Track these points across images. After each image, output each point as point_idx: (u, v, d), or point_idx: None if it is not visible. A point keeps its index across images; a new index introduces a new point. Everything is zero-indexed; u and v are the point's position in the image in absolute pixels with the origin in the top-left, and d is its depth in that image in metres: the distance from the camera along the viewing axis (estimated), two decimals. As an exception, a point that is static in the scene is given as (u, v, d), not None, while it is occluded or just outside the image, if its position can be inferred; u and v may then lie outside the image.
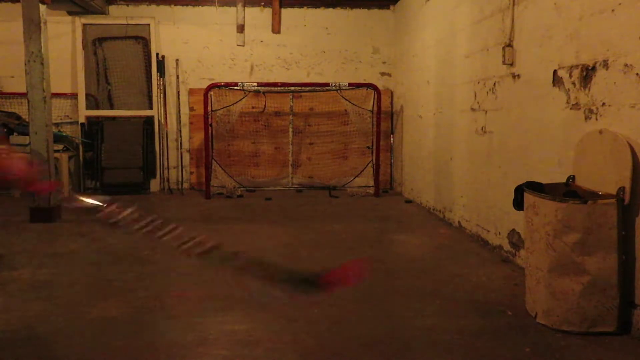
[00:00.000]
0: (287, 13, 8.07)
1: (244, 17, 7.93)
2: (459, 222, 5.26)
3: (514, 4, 4.02)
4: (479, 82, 4.71)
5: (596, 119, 3.01)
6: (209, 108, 7.34)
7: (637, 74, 2.68)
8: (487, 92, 4.53)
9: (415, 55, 6.88)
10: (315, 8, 8.08)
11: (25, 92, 5.57)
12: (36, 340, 2.68)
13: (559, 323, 2.76)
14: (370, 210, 6.48)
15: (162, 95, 7.86)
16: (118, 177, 7.57)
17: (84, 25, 7.79)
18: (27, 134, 6.30)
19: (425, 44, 6.37)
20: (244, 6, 7.89)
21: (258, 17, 8.02)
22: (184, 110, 8.00)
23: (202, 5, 7.91)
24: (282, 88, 7.70)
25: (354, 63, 8.17)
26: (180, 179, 8.02)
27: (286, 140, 7.98)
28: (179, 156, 8.02)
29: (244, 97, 7.51)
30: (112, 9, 7.87)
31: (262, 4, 7.99)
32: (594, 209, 2.66)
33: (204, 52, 7.98)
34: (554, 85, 3.47)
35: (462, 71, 5.12)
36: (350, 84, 7.47)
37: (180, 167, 8.03)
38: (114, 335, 2.74)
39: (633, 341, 2.64)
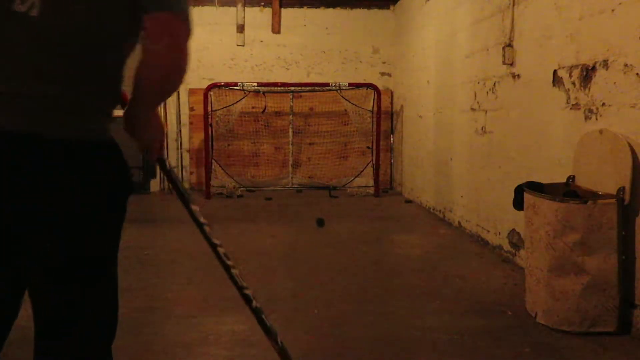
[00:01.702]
0: (287, 13, 8.08)
1: (244, 17, 7.94)
2: (459, 222, 5.26)
3: (514, 4, 4.02)
4: (479, 82, 4.71)
5: (596, 119, 3.01)
6: (209, 108, 7.35)
7: (637, 74, 2.68)
8: (487, 92, 4.53)
9: (415, 55, 6.88)
10: (315, 8, 8.08)
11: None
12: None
13: (559, 323, 2.75)
14: (370, 210, 6.48)
15: (162, 95, 7.85)
16: (118, 177, 7.57)
17: (84, 25, 7.79)
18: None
19: (425, 44, 6.37)
20: (244, 6, 7.89)
21: (258, 17, 8.03)
22: (184, 110, 8.00)
23: (202, 5, 7.91)
24: (282, 88, 7.70)
25: (354, 63, 8.18)
26: (180, 179, 8.01)
27: (286, 140, 7.98)
28: (179, 156, 8.02)
29: (244, 97, 7.50)
30: (112, 9, 7.87)
31: (262, 4, 7.99)
32: (594, 209, 2.66)
33: (204, 52, 7.98)
34: (554, 85, 3.47)
35: (462, 71, 5.12)
36: (350, 84, 7.48)
37: (180, 167, 8.03)
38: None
39: (633, 341, 2.64)
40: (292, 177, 8.03)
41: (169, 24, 1.21)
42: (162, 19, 1.20)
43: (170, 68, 1.24)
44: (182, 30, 1.22)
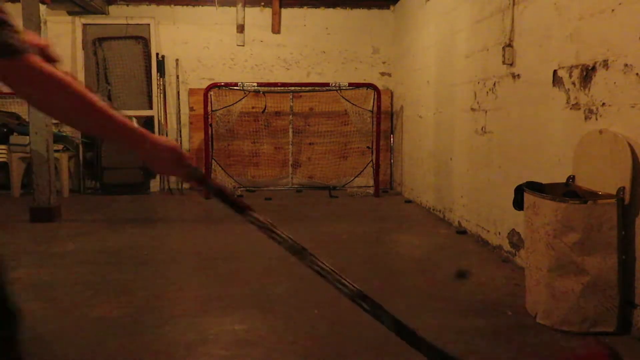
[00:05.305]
0: (287, 13, 8.08)
1: (244, 17, 7.94)
2: (459, 222, 5.26)
3: (514, 4, 4.02)
4: (479, 82, 4.71)
5: (596, 119, 3.01)
6: (209, 108, 7.35)
7: (637, 74, 2.68)
8: (487, 92, 4.53)
9: (415, 55, 6.88)
10: (315, 8, 8.08)
11: None
12: (36, 340, 2.68)
13: (559, 323, 2.76)
14: (370, 210, 6.48)
15: (162, 95, 7.86)
16: (118, 177, 7.58)
17: (84, 25, 7.80)
18: (27, 134, 6.30)
19: (425, 44, 6.37)
20: (244, 6, 7.89)
21: (258, 17, 8.03)
22: (184, 110, 8.01)
23: (202, 5, 7.92)
24: (282, 88, 7.70)
25: (353, 63, 8.18)
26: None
27: (286, 140, 7.98)
28: (179, 156, 8.02)
29: (244, 97, 7.51)
30: (112, 9, 7.87)
31: (262, 4, 7.99)
32: (594, 209, 2.66)
33: (204, 52, 7.99)
34: (554, 85, 3.47)
35: (462, 71, 5.12)
36: (350, 84, 7.48)
37: (180, 167, 8.02)
38: (114, 335, 2.75)
39: (633, 341, 2.64)
40: (292, 177, 8.03)
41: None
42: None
43: (43, 104, 1.18)
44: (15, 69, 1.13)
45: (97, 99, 1.23)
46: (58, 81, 1.16)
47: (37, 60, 1.14)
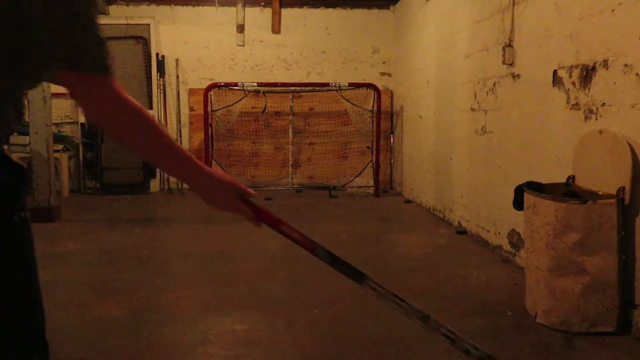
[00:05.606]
0: (287, 13, 8.07)
1: (244, 17, 7.94)
2: (459, 222, 5.25)
3: (513, 4, 4.02)
4: (479, 82, 4.71)
5: (596, 119, 3.01)
6: (209, 108, 7.35)
7: (637, 74, 2.68)
8: (487, 92, 4.53)
9: (415, 55, 6.88)
10: (315, 8, 8.08)
11: (25, 92, 5.56)
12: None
13: (559, 323, 2.75)
14: (370, 210, 6.47)
15: (162, 95, 7.86)
16: (118, 177, 7.58)
17: (84, 25, 7.79)
18: (27, 134, 6.30)
19: (425, 44, 6.37)
20: (244, 6, 7.89)
21: (258, 17, 8.03)
22: (184, 110, 8.00)
23: (202, 5, 7.92)
24: (282, 88, 7.70)
25: (353, 63, 8.17)
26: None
27: (286, 140, 7.98)
28: (179, 156, 8.01)
29: (244, 97, 7.51)
30: (112, 9, 7.87)
31: (262, 4, 7.99)
32: (594, 209, 2.66)
33: (204, 52, 7.98)
34: (553, 85, 3.47)
35: (462, 71, 5.12)
36: (350, 84, 7.48)
37: (180, 167, 8.02)
38: (114, 335, 2.75)
39: (633, 341, 2.64)
40: (292, 177, 8.03)
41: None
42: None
43: (111, 127, 1.17)
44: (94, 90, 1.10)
45: (165, 130, 1.23)
46: (133, 110, 1.15)
47: (118, 83, 1.13)
